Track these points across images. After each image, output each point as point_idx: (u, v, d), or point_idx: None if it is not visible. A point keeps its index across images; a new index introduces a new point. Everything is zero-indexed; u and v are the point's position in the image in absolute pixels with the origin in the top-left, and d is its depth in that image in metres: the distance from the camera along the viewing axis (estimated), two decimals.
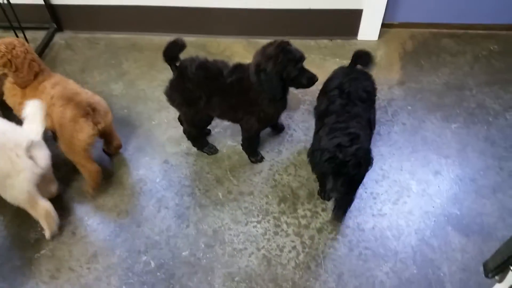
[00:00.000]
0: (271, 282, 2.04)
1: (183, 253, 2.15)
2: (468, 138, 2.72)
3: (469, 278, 2.03)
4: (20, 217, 2.28)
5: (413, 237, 2.20)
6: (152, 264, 2.11)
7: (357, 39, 3.50)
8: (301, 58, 2.12)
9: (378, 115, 2.87)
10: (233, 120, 2.44)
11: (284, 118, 2.88)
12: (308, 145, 2.66)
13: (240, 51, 3.40)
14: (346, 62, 3.28)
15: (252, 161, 2.60)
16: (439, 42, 3.45)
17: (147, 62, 3.31)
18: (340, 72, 2.34)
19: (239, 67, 2.23)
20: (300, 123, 2.85)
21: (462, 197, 2.38)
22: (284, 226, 2.28)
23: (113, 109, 2.97)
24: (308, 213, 2.34)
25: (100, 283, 2.03)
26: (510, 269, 1.08)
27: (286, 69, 2.08)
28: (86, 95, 2.23)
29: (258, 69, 2.09)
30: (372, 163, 1.92)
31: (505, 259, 1.09)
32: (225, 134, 2.80)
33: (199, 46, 3.40)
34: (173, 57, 2.21)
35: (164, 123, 2.88)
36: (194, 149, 2.69)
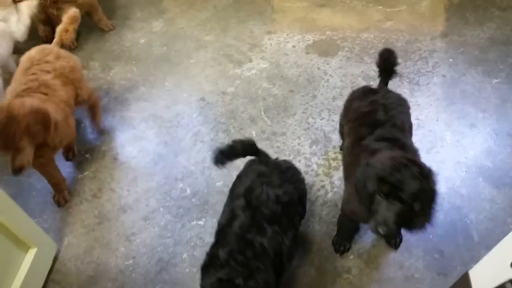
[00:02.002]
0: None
1: (217, 183, 2.25)
2: (509, 94, 2.66)
3: (496, 227, 2.06)
4: None
5: (443, 184, 2.22)
6: (188, 191, 2.22)
7: None
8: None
9: (419, 66, 2.84)
10: None
11: (321, 63, 2.88)
12: (344, 92, 2.68)
13: None
14: (389, 10, 3.22)
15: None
16: None
17: (186, 1, 3.31)
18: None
19: None
20: (337, 69, 2.84)
21: (496, 150, 2.37)
22: (315, 167, 2.34)
23: (152, 45, 3.04)
24: (339, 156, 2.38)
25: (139, 204, 2.16)
26: None
27: None
28: None
29: None
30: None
31: None
32: (261, 75, 2.82)
33: None
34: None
35: (202, 62, 2.92)
36: (231, 89, 2.74)
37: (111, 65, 2.89)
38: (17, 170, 1.75)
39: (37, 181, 2.26)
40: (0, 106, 1.71)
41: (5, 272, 1.66)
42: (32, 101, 1.85)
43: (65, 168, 2.32)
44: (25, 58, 2.10)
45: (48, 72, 2.04)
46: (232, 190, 1.69)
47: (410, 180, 1.32)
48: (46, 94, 1.98)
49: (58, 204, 2.16)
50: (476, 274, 1.61)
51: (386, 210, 1.36)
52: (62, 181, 2.15)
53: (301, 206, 1.76)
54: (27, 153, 1.76)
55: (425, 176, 1.37)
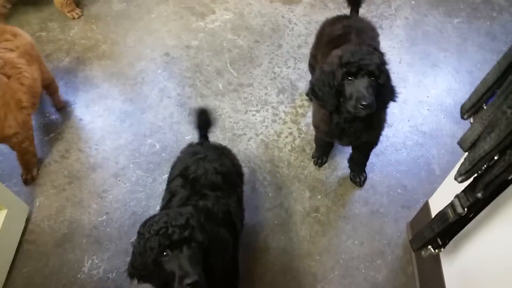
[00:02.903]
0: (268, 162, 2.16)
1: (186, 137, 2.26)
2: (469, 33, 2.71)
3: (456, 160, 2.12)
4: None
5: (405, 124, 2.29)
6: (157, 146, 2.23)
7: None
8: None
9: (382, 9, 2.85)
10: None
11: (285, 12, 2.85)
12: (309, 39, 2.67)
13: None
14: None
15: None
16: None
17: None
18: None
19: None
20: (301, 17, 2.82)
21: (457, 87, 2.43)
22: (282, 115, 2.37)
23: (112, 2, 2.94)
24: (306, 103, 2.41)
25: (109, 162, 2.17)
26: (483, 107, 1.14)
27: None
28: None
29: None
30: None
31: (480, 97, 1.15)
32: (225, 27, 2.79)
33: None
34: None
35: (164, 16, 2.86)
36: (195, 42, 2.70)
37: (70, 25, 2.80)
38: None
39: (3, 146, 2.22)
40: None
41: None
42: None
43: None
44: None
45: (12, 50, 1.94)
46: (169, 177, 1.63)
47: (371, 55, 1.50)
48: (9, 76, 1.87)
49: (26, 182, 2.10)
50: (435, 201, 1.71)
51: (359, 86, 1.50)
52: (35, 161, 2.11)
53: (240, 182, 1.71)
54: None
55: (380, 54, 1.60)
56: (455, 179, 1.13)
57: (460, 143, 1.14)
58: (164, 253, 1.20)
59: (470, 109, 1.16)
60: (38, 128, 2.29)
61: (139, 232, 1.27)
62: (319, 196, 2.02)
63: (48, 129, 2.30)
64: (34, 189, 2.08)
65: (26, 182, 2.10)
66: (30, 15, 2.85)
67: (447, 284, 1.50)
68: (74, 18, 2.85)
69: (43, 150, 2.22)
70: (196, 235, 1.22)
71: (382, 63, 1.53)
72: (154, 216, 1.27)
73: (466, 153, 1.14)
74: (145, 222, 1.27)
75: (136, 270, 1.28)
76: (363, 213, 1.97)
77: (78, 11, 2.86)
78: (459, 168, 1.12)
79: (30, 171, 2.10)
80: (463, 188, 1.22)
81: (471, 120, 1.17)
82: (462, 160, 1.16)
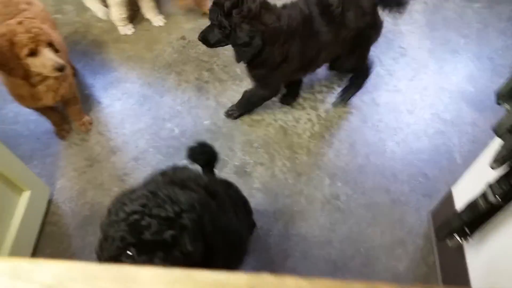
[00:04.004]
0: (287, 148, 2.16)
1: (205, 122, 2.26)
2: (490, 18, 2.67)
3: (478, 149, 2.09)
4: None
5: (426, 111, 2.27)
6: (176, 130, 2.23)
7: None
8: None
9: None
10: None
11: None
12: None
13: None
14: None
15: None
16: None
17: None
18: None
19: None
20: None
21: (478, 75, 2.40)
22: (301, 100, 2.35)
23: None
24: (325, 89, 2.39)
25: (128, 145, 2.17)
26: None
27: None
28: None
29: None
30: None
31: None
32: None
33: None
34: None
35: None
36: None
37: (86, 7, 2.78)
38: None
39: (23, 128, 2.23)
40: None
41: (1, 215, 1.68)
42: None
43: None
44: None
45: (34, 18, 1.87)
46: None
47: None
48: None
49: (84, 127, 2.20)
50: (458, 190, 1.70)
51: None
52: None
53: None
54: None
55: None
56: (490, 166, 1.12)
57: (496, 129, 1.13)
58: (127, 252, 0.85)
59: (506, 94, 1.14)
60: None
61: (108, 209, 0.94)
62: (339, 184, 2.02)
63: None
64: (55, 171, 2.09)
65: (85, 127, 2.20)
66: None
67: (470, 274, 1.51)
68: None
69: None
70: (184, 242, 0.83)
71: None
72: (135, 189, 0.96)
73: (499, 140, 1.13)
74: (121, 196, 0.95)
75: (101, 255, 0.93)
76: (384, 201, 1.97)
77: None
78: (495, 155, 1.11)
79: (82, 115, 2.16)
80: (490, 176, 1.21)
81: (506, 106, 1.15)
82: (496, 147, 1.15)
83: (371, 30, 2.01)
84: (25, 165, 1.81)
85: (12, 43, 1.62)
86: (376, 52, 2.48)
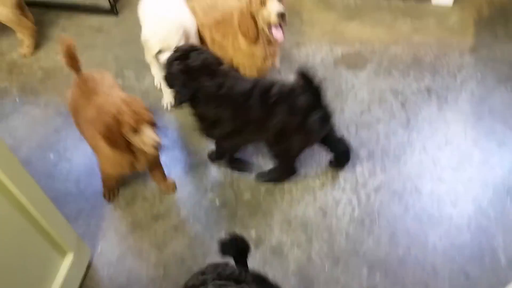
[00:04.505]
0: (325, 231, 2.16)
1: (245, 195, 2.30)
2: None
3: None
4: None
5: (470, 204, 2.23)
6: (217, 202, 2.28)
7: (431, 2, 3.38)
8: None
9: (447, 81, 2.84)
10: None
11: (349, 76, 2.89)
12: (372, 106, 2.69)
13: (309, 6, 3.38)
14: (418, 23, 3.23)
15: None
16: None
17: None
18: None
19: None
20: (365, 83, 2.86)
21: None
22: (342, 182, 2.37)
23: None
24: (366, 172, 2.40)
25: (170, 213, 2.23)
26: None
27: None
28: None
29: None
30: None
31: None
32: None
33: None
34: None
35: None
36: None
37: (144, 73, 2.96)
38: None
39: (74, 188, 2.34)
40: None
41: (43, 276, 1.74)
42: None
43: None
44: None
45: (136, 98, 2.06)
46: None
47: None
48: None
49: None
50: None
51: None
52: None
53: None
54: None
55: None
56: None
57: None
58: None
59: None
60: None
61: None
62: (378, 275, 1.98)
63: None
64: (97, 233, 2.16)
65: (171, 189, 2.34)
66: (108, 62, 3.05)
67: None
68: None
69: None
70: None
71: None
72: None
73: None
74: None
75: None
76: None
77: None
78: None
79: (165, 177, 2.31)
80: None
81: None
82: None
83: (298, 132, 2.05)
84: (71, 227, 1.89)
85: (118, 122, 1.78)
86: (421, 139, 2.50)
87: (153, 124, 1.87)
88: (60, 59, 2.93)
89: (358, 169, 2.42)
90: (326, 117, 2.04)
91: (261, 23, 2.25)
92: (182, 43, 2.22)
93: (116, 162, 2.00)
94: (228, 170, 2.42)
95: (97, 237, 2.15)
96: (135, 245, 2.11)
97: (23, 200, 1.55)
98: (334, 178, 2.38)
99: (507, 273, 1.92)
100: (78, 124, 2.13)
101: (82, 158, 2.50)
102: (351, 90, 2.83)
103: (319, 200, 2.29)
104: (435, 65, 2.95)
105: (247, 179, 2.38)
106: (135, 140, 1.84)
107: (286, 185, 2.35)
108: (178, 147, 2.54)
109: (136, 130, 1.81)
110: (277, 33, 2.28)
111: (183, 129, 2.64)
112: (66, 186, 2.37)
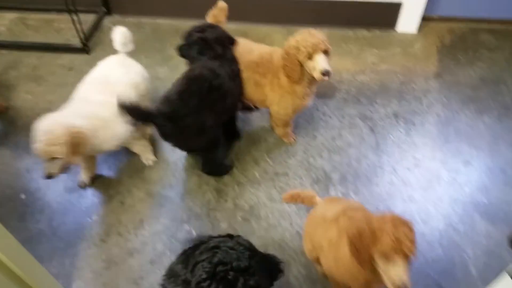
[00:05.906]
0: (303, 254, 2.17)
1: (222, 225, 2.31)
2: (501, 131, 2.77)
3: (493, 261, 2.12)
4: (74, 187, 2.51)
5: (440, 222, 2.29)
6: (194, 232, 2.28)
7: (396, 31, 3.56)
8: None
9: (414, 106, 2.96)
10: None
11: (320, 105, 2.99)
12: (343, 132, 2.78)
13: (279, 39, 3.51)
14: (384, 53, 3.38)
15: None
16: (478, 37, 3.48)
17: None
18: None
19: None
20: (335, 110, 2.95)
21: (490, 187, 2.45)
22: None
23: (158, 91, 3.15)
24: (340, 195, 2.45)
25: (146, 247, 2.22)
26: None
27: None
28: None
29: None
30: None
31: None
32: (262, 118, 2.93)
33: (241, 34, 3.53)
34: None
35: None
36: None
37: None
38: None
39: (47, 228, 2.32)
40: None
41: None
42: None
43: (74, 212, 2.39)
44: None
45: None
46: None
47: None
48: None
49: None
50: None
51: None
52: None
53: None
54: None
55: None
56: None
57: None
58: None
59: None
60: (81, 210, 2.40)
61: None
62: None
63: (91, 211, 2.40)
64: (72, 272, 2.13)
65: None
66: None
67: None
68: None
69: (84, 232, 2.30)
70: None
71: None
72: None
73: None
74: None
75: None
76: None
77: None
78: None
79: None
80: None
81: None
82: None
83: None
84: (44, 268, 1.85)
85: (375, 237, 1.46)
86: (391, 161, 2.58)
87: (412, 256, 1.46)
88: (30, 99, 2.97)
89: (332, 192, 2.47)
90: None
91: (305, 69, 2.29)
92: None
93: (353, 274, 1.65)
94: (204, 200, 2.44)
95: (71, 277, 2.12)
96: (111, 281, 2.08)
97: None
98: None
99: (478, 284, 1.96)
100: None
101: (54, 197, 2.48)
102: (322, 117, 2.91)
103: (295, 224, 2.32)
104: (401, 91, 3.07)
105: (223, 207, 2.40)
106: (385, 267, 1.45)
107: (263, 212, 2.38)
108: (152, 181, 2.55)
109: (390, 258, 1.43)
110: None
111: (157, 162, 2.66)
112: (39, 226, 2.34)
